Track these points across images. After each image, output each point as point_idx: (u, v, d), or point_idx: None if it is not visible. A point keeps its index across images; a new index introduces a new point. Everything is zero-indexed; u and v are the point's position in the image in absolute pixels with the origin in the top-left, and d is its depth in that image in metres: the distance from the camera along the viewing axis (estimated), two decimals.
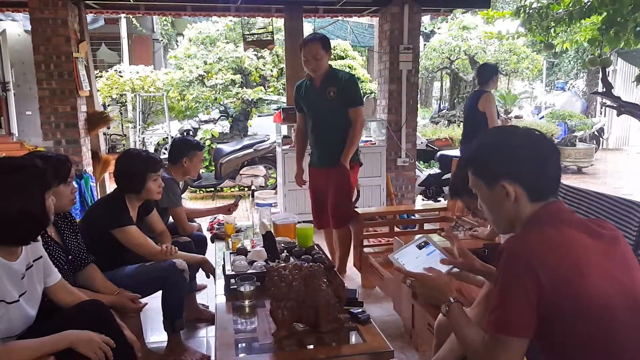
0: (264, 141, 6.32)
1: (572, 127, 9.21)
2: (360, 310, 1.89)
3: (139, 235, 2.38)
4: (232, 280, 2.12)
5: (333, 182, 3.21)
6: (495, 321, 1.17)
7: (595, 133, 10.25)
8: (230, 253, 2.39)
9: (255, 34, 4.92)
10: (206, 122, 7.39)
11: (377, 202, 4.81)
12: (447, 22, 9.20)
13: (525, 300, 1.13)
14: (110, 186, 5.24)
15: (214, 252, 2.88)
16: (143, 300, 2.18)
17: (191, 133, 6.45)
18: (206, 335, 2.76)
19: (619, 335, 1.12)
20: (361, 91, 3.24)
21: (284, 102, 8.31)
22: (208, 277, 2.79)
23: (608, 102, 4.57)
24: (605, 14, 4.03)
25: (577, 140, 8.85)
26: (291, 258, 2.26)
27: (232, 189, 6.73)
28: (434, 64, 9.08)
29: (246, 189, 6.64)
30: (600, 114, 12.38)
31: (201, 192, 6.67)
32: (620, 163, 9.79)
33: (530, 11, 4.88)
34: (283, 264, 1.83)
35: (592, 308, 1.11)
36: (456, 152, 5.61)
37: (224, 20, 7.52)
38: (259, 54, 7.20)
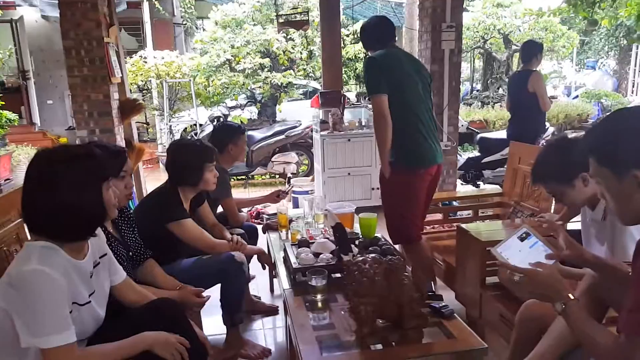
0: (296, 127, 6.20)
1: (607, 107, 8.89)
2: (442, 304, 1.78)
3: (195, 228, 2.29)
4: (299, 274, 2.02)
5: None
6: (638, 322, 1.04)
7: None
8: (292, 245, 2.29)
9: (287, 14, 4.75)
10: (233, 108, 7.28)
11: None
12: None
13: None
14: (145, 175, 5.18)
15: (268, 243, 2.79)
16: (204, 294, 2.10)
17: (221, 119, 6.36)
18: (263, 327, 2.69)
19: None
20: (376, 76, 2.49)
21: (315, 87, 8.15)
22: (264, 268, 2.71)
23: None
24: None
25: None
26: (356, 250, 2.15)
27: (264, 177, 6.64)
28: (467, 44, 8.77)
29: (277, 176, 6.55)
30: (632, 92, 11.98)
31: (232, 180, 6.58)
32: None
33: None
34: (361, 258, 1.72)
35: None
36: (498, 135, 5.41)
37: (250, 1, 7.33)
38: (288, 36, 7.02)
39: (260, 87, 6.98)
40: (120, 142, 4.70)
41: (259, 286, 3.11)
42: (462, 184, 5.51)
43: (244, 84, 6.81)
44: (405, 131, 2.52)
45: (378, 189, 4.57)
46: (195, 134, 7.80)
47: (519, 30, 8.62)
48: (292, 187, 3.23)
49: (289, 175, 5.59)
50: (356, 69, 7.54)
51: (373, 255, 1.77)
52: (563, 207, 2.50)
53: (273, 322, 2.76)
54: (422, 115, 2.57)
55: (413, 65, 2.65)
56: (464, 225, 2.53)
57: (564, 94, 12.12)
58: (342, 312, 1.79)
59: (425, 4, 4.72)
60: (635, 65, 11.38)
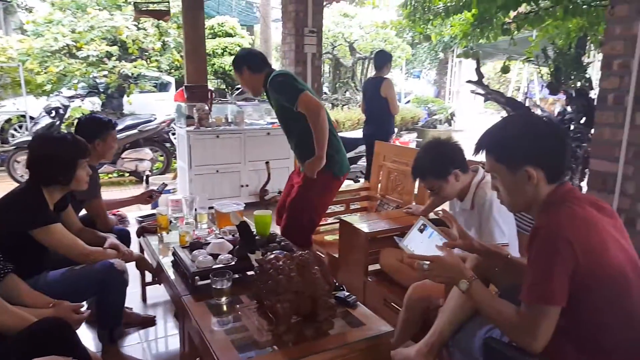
0: (151, 121, 5.77)
1: (433, 111, 10.21)
2: (346, 293, 1.86)
3: (67, 234, 2.00)
4: (198, 278, 1.92)
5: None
6: (539, 293, 1.25)
7: (449, 117, 11.52)
8: (183, 248, 2.15)
9: (145, 2, 4.39)
10: (72, 98, 6.45)
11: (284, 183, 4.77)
12: (327, 7, 9.37)
13: (563, 272, 1.23)
14: None
15: (143, 248, 2.58)
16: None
17: (60, 111, 5.56)
18: (140, 341, 2.46)
19: (632, 296, 1.28)
20: (293, 83, 2.57)
21: (168, 79, 7.66)
22: (143, 276, 2.50)
23: (478, 90, 5.14)
24: (476, 11, 4.56)
25: (438, 123, 9.86)
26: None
27: (110, 175, 6.04)
28: None
29: (127, 174, 6.03)
30: (449, 99, 13.95)
31: None
32: (465, 143, 11.15)
33: (416, 4, 5.25)
34: (273, 256, 1.71)
35: (612, 275, 1.25)
36: (353, 134, 5.82)
37: None
38: (139, 25, 6.47)
39: (106, 76, 6.29)
40: None
41: (129, 296, 2.83)
42: None
43: (85, 73, 6.05)
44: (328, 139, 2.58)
45: (247, 185, 4.58)
46: (21, 127, 6.75)
47: (363, 39, 9.39)
48: (166, 186, 3.02)
49: (147, 173, 5.17)
50: (214, 64, 7.34)
51: (282, 252, 1.77)
52: (426, 200, 2.86)
53: (148, 334, 2.55)
54: (332, 124, 2.69)
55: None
56: (347, 218, 2.69)
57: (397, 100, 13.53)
58: (250, 313, 1.75)
59: (289, 7, 4.83)
60: (451, 76, 13.32)
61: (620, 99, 2.06)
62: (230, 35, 7.73)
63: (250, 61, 2.70)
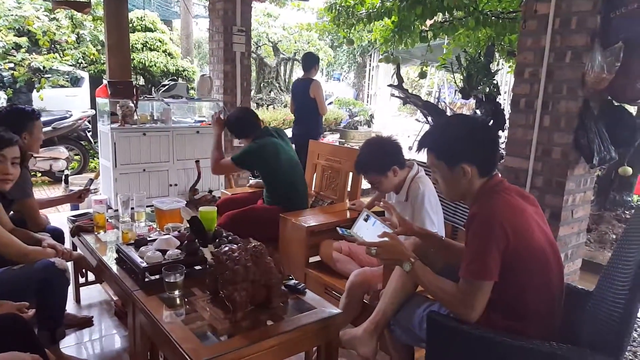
0: (66, 118, 5.44)
1: (354, 113, 10.60)
2: (295, 281, 1.98)
3: (3, 232, 1.92)
4: (147, 273, 1.93)
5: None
6: (476, 270, 1.45)
7: (368, 118, 12.02)
8: (128, 244, 2.13)
9: None
10: None
11: (216, 183, 4.77)
12: (252, 7, 9.34)
13: (496, 252, 1.44)
14: None
15: (78, 247, 2.50)
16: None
17: None
18: (79, 342, 2.39)
19: (550, 271, 1.53)
20: (250, 154, 3.07)
21: (81, 74, 7.21)
22: (83, 275, 2.44)
23: (397, 93, 5.47)
24: (396, 18, 4.90)
25: (359, 125, 10.26)
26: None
27: None
28: None
29: (40, 174, 5.64)
30: (368, 102, 14.53)
31: None
32: None
33: (340, 9, 5.49)
34: (227, 248, 1.78)
35: (536, 254, 1.49)
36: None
37: None
38: (52, 15, 6.04)
39: (13, 69, 5.80)
40: None
41: None
42: (250, 178, 5.83)
43: None
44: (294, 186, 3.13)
45: (176, 185, 4.51)
46: None
47: (287, 40, 9.52)
48: (92, 182, 2.93)
49: (67, 172, 4.89)
50: (134, 59, 7.04)
51: (233, 244, 1.84)
52: (359, 196, 3.07)
53: (86, 334, 2.48)
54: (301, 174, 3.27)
55: (281, 138, 3.20)
56: (287, 214, 2.80)
57: None
58: (204, 304, 1.81)
59: (217, 5, 4.82)
60: (369, 80, 13.88)
61: (531, 103, 2.38)
62: (150, 30, 7.47)
63: (239, 129, 3.23)
